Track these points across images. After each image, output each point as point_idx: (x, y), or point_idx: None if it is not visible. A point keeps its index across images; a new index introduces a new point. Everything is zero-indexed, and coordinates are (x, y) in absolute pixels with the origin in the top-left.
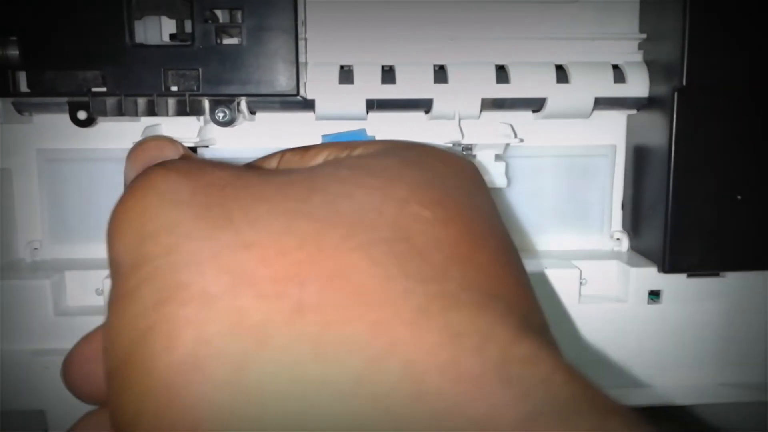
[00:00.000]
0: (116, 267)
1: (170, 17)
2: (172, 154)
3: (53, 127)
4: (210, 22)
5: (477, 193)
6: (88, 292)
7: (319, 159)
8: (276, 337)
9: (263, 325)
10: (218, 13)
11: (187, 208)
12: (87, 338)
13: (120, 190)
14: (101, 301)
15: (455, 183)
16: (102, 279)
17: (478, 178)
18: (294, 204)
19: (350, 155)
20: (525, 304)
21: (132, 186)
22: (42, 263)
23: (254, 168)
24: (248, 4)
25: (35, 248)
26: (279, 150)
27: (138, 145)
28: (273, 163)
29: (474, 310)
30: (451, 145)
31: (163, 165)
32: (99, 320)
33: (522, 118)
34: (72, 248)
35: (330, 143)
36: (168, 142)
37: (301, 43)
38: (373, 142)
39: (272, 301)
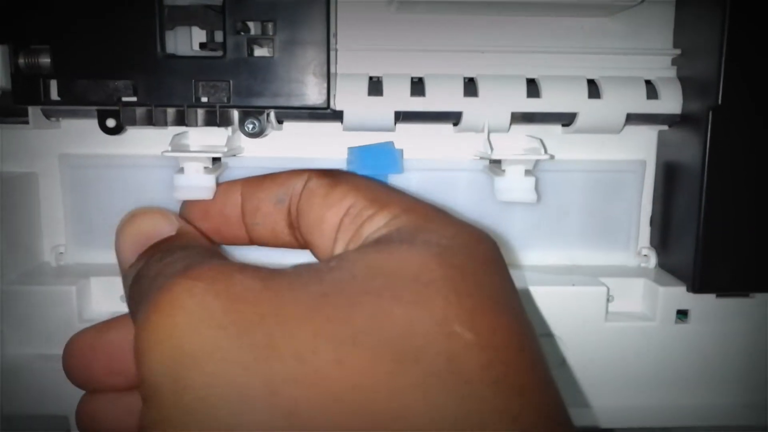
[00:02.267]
0: (150, 389)
1: (201, 28)
2: (168, 230)
3: (79, 132)
4: (241, 33)
5: (501, 278)
6: (113, 298)
7: (345, 204)
8: None
9: None
10: (250, 23)
11: (223, 329)
12: (97, 329)
13: (143, 195)
14: (126, 308)
15: (482, 273)
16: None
17: (499, 257)
18: (337, 327)
19: (373, 217)
20: (564, 417)
21: (156, 301)
22: (66, 268)
23: (279, 272)
24: (281, 17)
25: (60, 252)
26: (305, 169)
27: (129, 221)
28: (299, 185)
29: None
30: (478, 158)
31: (185, 275)
32: None
33: (550, 130)
34: (96, 253)
35: (357, 187)
36: (161, 217)
37: (332, 54)
38: (394, 204)
39: None
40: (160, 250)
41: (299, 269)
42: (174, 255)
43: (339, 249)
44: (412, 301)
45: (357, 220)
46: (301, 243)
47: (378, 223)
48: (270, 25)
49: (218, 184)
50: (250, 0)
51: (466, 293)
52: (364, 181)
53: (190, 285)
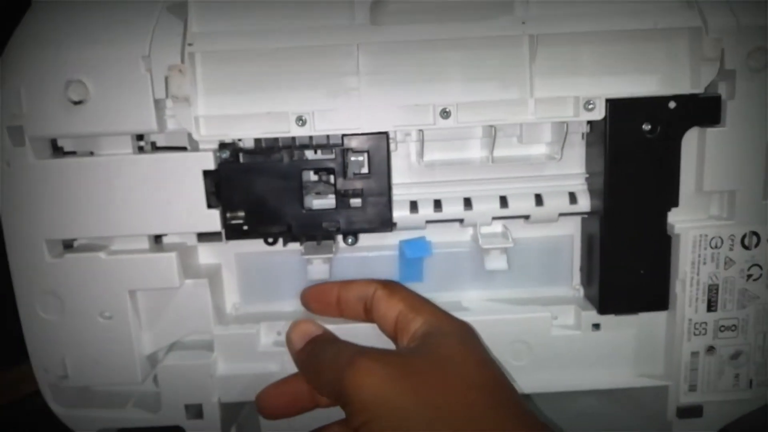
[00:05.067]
0: (360, 404)
1: (325, 193)
2: (318, 331)
3: (247, 242)
4: (343, 193)
5: (486, 356)
6: (272, 336)
7: (398, 308)
8: None
9: None
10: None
11: (399, 383)
12: (278, 383)
13: (284, 277)
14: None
15: (483, 347)
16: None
17: (477, 336)
18: (458, 379)
19: (414, 319)
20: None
21: (353, 368)
22: (241, 317)
23: (403, 353)
24: (365, 185)
25: (237, 307)
26: (374, 280)
27: (297, 325)
28: (371, 290)
29: None
30: (474, 243)
31: (365, 356)
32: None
33: (516, 221)
34: (261, 306)
35: (404, 298)
36: (314, 323)
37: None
38: (424, 311)
39: None
40: (321, 340)
41: (410, 351)
42: (336, 344)
43: (401, 336)
44: (479, 363)
45: (406, 320)
46: (369, 320)
47: (418, 323)
48: (359, 188)
49: (325, 282)
50: (348, 180)
51: (491, 361)
52: (408, 293)
53: (373, 363)
